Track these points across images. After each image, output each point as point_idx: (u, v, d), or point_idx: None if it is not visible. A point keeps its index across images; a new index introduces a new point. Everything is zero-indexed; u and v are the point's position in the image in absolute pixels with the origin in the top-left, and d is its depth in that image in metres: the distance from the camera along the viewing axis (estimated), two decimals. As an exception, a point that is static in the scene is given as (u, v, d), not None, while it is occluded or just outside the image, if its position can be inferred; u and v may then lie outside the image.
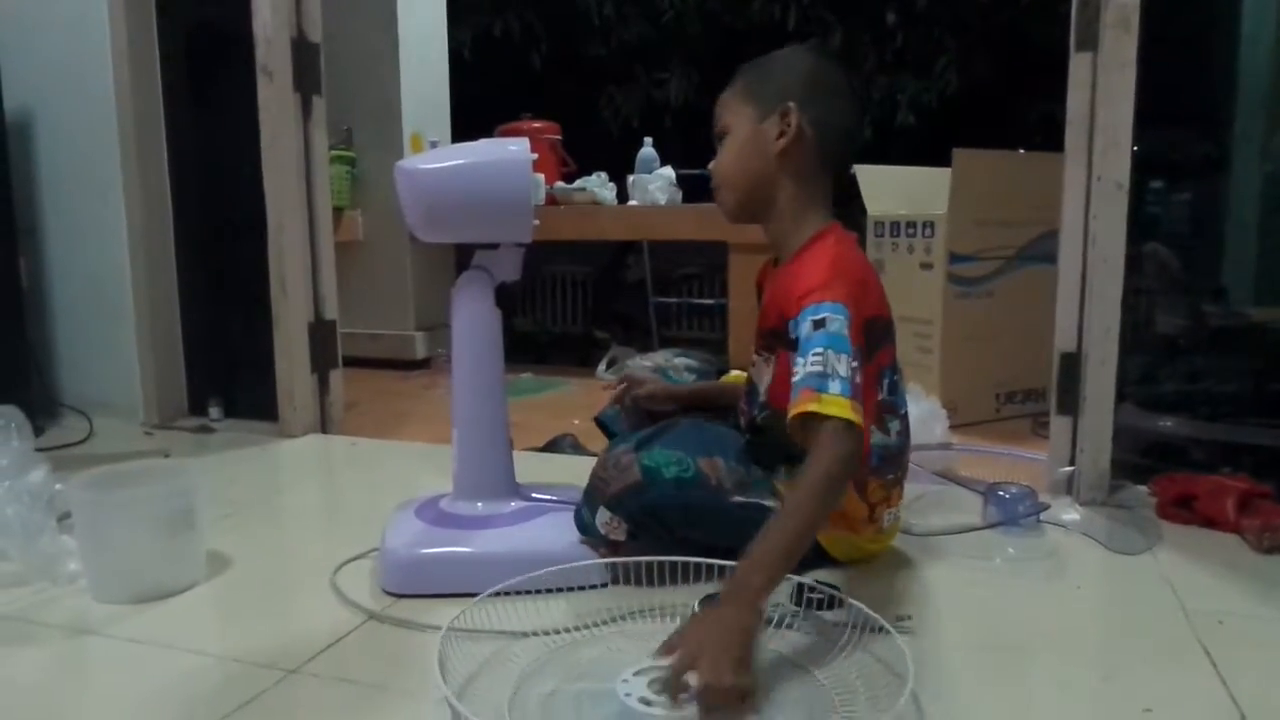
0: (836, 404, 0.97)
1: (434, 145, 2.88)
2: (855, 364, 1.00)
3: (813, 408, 0.97)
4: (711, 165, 1.20)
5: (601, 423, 1.40)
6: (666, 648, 0.85)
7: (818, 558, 1.18)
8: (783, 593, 1.07)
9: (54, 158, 2.08)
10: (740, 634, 0.84)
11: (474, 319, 1.18)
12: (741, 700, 0.81)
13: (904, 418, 1.19)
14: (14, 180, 2.00)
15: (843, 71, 1.19)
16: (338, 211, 2.59)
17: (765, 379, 1.17)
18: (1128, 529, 1.32)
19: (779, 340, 1.11)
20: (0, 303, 1.96)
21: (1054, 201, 1.49)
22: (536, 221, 1.16)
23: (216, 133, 2.03)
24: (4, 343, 1.96)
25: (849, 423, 0.96)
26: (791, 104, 1.12)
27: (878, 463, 1.15)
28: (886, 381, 1.16)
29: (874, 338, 1.11)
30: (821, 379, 0.98)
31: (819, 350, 1.00)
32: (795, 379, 1.00)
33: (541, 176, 2.91)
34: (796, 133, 1.12)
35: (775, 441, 1.14)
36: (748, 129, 1.15)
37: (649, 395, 1.37)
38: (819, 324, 1.02)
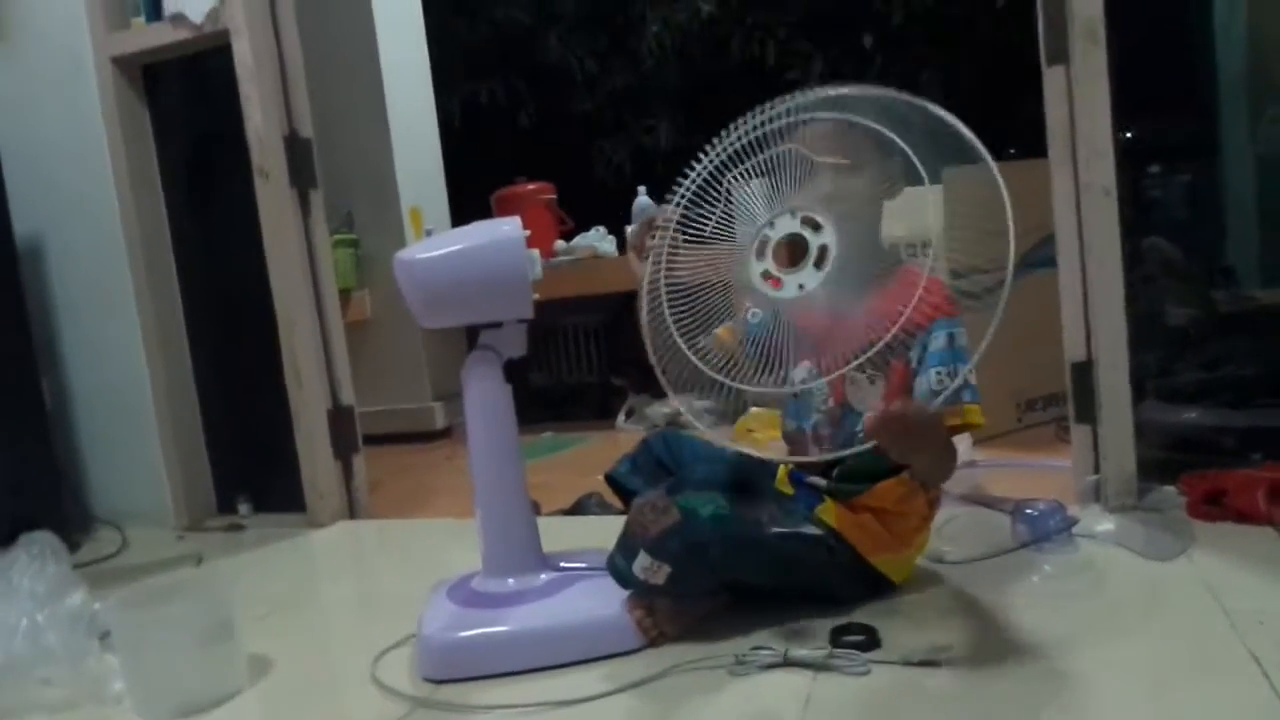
0: (971, 412, 1.08)
1: (429, 233, 2.94)
2: (971, 370, 1.08)
3: (954, 424, 1.07)
4: (832, 191, 1.09)
5: (613, 479, 1.39)
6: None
7: (870, 590, 1.19)
8: (821, 635, 1.07)
9: (66, 280, 2.13)
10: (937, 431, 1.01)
11: (485, 399, 1.20)
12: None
13: None
14: (30, 304, 2.05)
15: None
16: (345, 293, 2.63)
17: (875, 394, 1.16)
18: (1161, 533, 1.31)
19: (893, 350, 1.09)
20: (27, 424, 2.00)
21: (1049, 206, 1.49)
22: (537, 295, 1.18)
23: (220, 235, 2.08)
24: (33, 463, 1.99)
25: (978, 425, 1.08)
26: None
27: None
28: None
29: None
30: (957, 393, 1.05)
31: (950, 367, 1.07)
32: (929, 388, 1.07)
33: (537, 252, 2.93)
34: None
35: (862, 460, 1.15)
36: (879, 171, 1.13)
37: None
38: (951, 340, 1.09)
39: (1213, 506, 1.36)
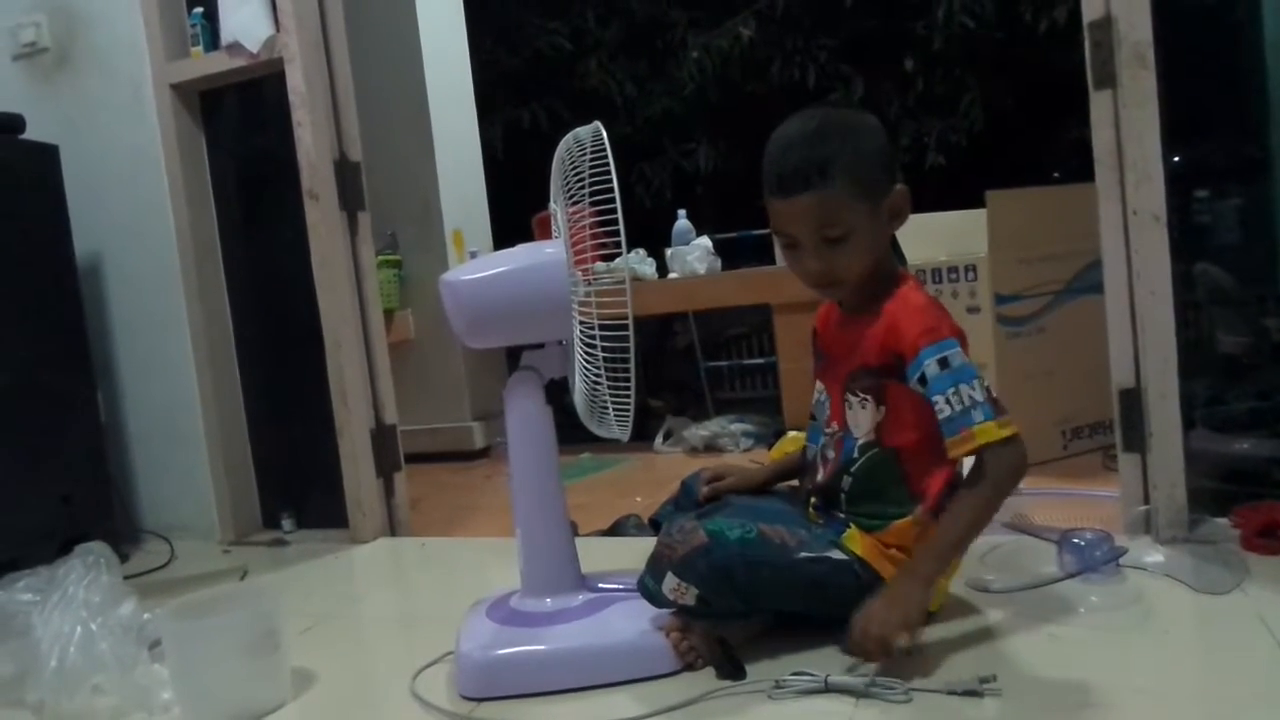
0: (984, 432, 1.08)
1: (473, 255, 2.98)
2: (985, 382, 1.09)
3: (969, 447, 1.08)
4: (820, 267, 1.15)
5: (656, 523, 1.41)
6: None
7: None
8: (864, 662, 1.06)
9: (123, 299, 2.20)
10: (906, 600, 1.04)
11: (526, 419, 1.21)
12: (889, 655, 1.01)
13: None
14: (88, 322, 2.12)
15: None
16: (388, 313, 2.68)
17: (867, 419, 1.18)
18: (1213, 566, 1.27)
19: (885, 375, 1.15)
20: (83, 438, 2.06)
21: (1095, 231, 1.47)
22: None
23: (270, 256, 2.13)
24: (88, 475, 2.05)
25: (1003, 439, 1.08)
26: (900, 185, 1.16)
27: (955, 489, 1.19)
28: None
29: None
30: (966, 415, 1.08)
31: (952, 389, 1.09)
32: (943, 418, 1.09)
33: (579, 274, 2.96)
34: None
35: (868, 484, 1.18)
36: (868, 224, 1.14)
37: (730, 488, 1.37)
38: (944, 363, 1.09)
39: (1268, 540, 1.33)
